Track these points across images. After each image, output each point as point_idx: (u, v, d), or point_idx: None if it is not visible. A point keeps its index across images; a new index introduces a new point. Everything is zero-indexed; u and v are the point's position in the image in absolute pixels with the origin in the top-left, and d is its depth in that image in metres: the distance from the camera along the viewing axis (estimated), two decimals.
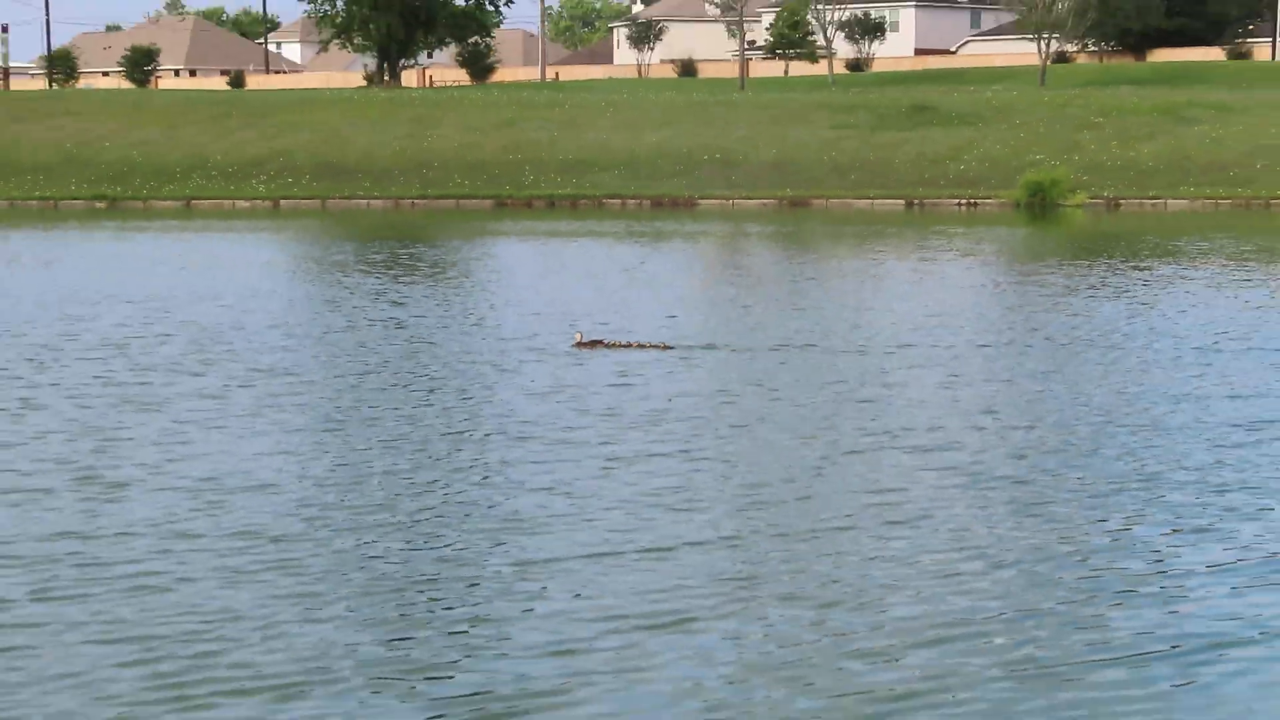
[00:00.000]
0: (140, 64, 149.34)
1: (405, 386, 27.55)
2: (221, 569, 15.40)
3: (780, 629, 13.29)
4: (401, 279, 46.44)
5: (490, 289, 45.29)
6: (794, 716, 10.96)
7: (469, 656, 12.45)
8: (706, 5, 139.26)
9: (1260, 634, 12.68)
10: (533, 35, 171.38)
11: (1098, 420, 24.43)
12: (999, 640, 12.65)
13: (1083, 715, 10.84)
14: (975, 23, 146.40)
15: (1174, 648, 12.32)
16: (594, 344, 32.20)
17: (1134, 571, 14.85)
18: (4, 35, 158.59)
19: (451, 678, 11.69)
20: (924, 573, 15.04)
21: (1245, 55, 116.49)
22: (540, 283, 46.61)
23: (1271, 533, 16.52)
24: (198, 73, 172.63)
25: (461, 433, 23.76)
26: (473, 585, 14.82)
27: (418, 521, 17.94)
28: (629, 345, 32.65)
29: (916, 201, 74.79)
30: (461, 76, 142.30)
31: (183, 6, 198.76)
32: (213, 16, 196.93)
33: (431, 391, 27.36)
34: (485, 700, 11.23)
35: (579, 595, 14.16)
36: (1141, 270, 45.70)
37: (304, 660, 12.12)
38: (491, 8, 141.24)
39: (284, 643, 12.75)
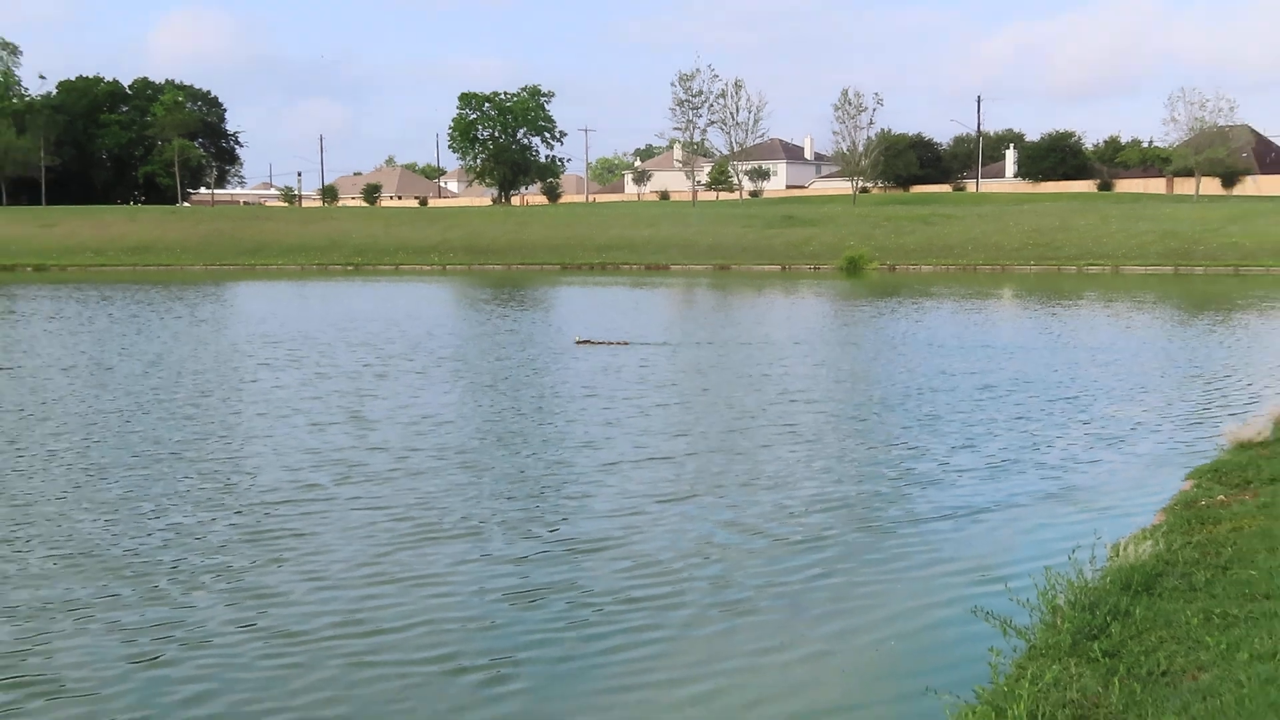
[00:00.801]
0: (371, 193, 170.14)
1: (507, 362, 34.43)
2: (440, 464, 20.21)
3: (733, 501, 17.19)
4: (512, 305, 58.54)
5: (553, 310, 57.30)
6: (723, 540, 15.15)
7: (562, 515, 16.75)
8: (675, 162, 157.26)
9: (996, 505, 16.84)
10: (580, 177, 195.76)
11: (883, 386, 29.66)
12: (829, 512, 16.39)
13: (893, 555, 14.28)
14: (818, 171, 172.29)
15: (946, 515, 16.23)
16: (587, 342, 40.00)
17: (922, 471, 19.04)
18: (299, 177, 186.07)
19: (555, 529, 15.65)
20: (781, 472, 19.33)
21: (961, 189, 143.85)
22: (582, 308, 58.94)
23: (996, 448, 20.89)
24: (402, 197, 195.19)
25: (533, 390, 29.25)
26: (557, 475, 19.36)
27: (523, 440, 22.68)
28: (607, 343, 40.14)
29: (787, 267, 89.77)
30: (542, 199, 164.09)
31: (393, 160, 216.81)
32: (410, 167, 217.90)
33: (520, 366, 34.03)
34: (575, 540, 15.32)
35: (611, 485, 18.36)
36: (905, 303, 57.49)
37: (467, 515, 16.37)
38: (559, 164, 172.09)
39: (456, 505, 17.20)
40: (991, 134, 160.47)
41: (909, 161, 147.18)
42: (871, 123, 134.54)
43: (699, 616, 12.20)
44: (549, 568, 14.02)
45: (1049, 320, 48.77)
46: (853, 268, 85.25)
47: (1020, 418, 24.19)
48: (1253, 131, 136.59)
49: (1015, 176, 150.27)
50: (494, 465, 19.82)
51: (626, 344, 40.01)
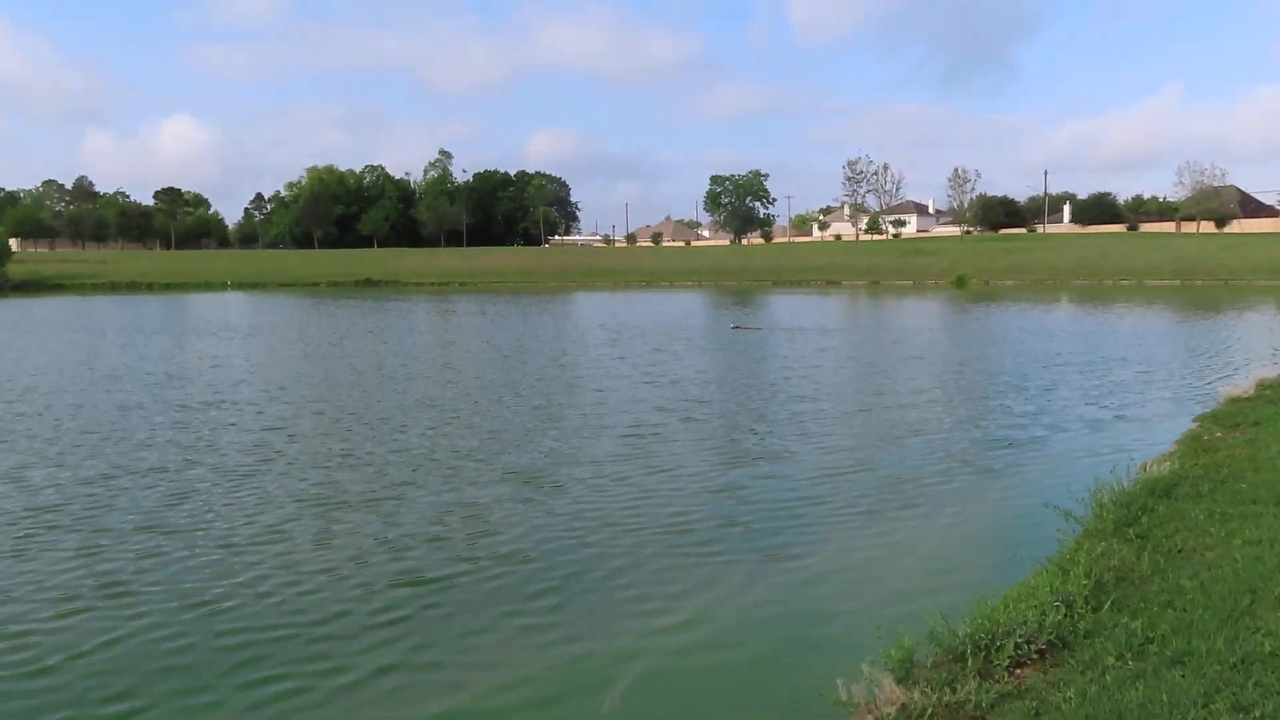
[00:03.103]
0: (656, 237, 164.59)
1: (711, 337, 30.01)
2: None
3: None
4: (731, 308, 41.31)
5: (760, 309, 39.90)
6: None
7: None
8: (845, 216, 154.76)
9: (1062, 437, 20.32)
10: (784, 225, 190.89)
11: (982, 358, 29.13)
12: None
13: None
14: (937, 220, 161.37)
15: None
16: (739, 328, 37.22)
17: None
18: (613, 229, 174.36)
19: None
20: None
21: (1033, 230, 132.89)
22: (782, 307, 41.69)
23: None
24: (674, 240, 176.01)
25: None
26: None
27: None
28: (753, 329, 36.74)
29: (916, 282, 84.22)
30: (760, 240, 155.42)
31: (669, 217, 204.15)
32: (680, 221, 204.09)
33: (708, 341, 29.99)
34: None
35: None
36: (996, 305, 52.92)
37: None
38: (771, 218, 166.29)
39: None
40: (1054, 194, 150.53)
41: (998, 213, 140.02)
42: (973, 188, 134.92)
43: (878, 507, 11.93)
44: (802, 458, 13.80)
45: (1096, 316, 45.96)
46: (960, 282, 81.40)
47: (1069, 380, 23.00)
48: (1239, 190, 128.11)
49: (1071, 222, 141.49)
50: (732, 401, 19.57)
51: (760, 329, 37.87)
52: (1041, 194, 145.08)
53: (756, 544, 10.34)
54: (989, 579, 8.44)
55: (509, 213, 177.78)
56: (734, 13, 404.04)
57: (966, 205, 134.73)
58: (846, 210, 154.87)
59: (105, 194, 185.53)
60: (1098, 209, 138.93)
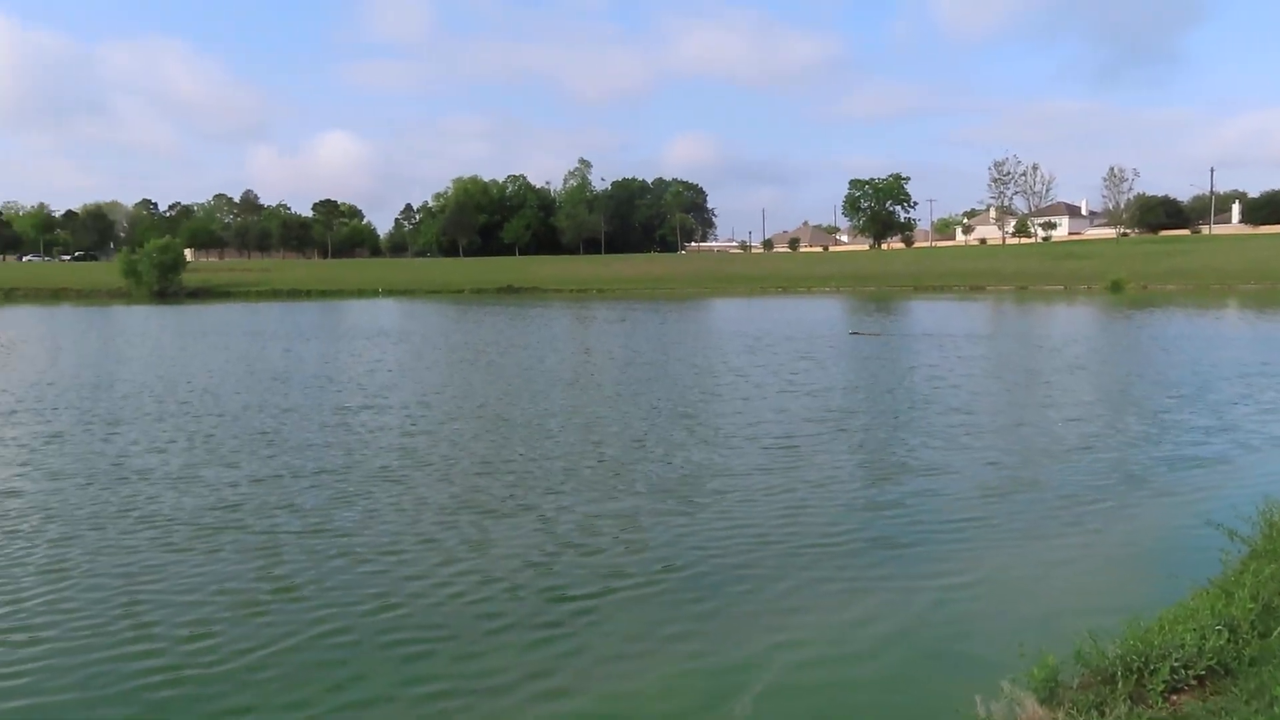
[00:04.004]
0: (794, 243, 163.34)
1: (834, 341, 29.34)
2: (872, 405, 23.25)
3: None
4: (862, 314, 39.89)
5: (893, 316, 39.06)
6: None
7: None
8: (990, 219, 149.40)
9: (1225, 452, 20.65)
10: (926, 230, 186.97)
11: (1140, 366, 28.76)
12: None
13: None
14: (1091, 222, 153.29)
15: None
16: (857, 334, 37.42)
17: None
18: (749, 234, 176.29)
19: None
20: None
21: (1198, 232, 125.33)
22: (920, 312, 40.74)
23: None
24: (811, 245, 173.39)
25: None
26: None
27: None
28: (870, 334, 36.88)
29: (1067, 287, 79.74)
30: (901, 245, 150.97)
31: (807, 222, 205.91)
32: (818, 226, 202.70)
33: (827, 346, 29.54)
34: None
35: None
36: (1157, 313, 50.00)
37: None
38: (912, 222, 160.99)
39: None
40: (1221, 192, 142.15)
41: (1158, 214, 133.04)
42: (1130, 188, 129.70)
43: (1029, 525, 11.64)
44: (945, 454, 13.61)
45: (1275, 322, 42.77)
46: (1115, 287, 76.88)
47: (1248, 392, 21.66)
48: None
49: (1240, 222, 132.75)
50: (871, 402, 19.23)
51: (879, 334, 37.45)
52: (1207, 193, 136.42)
53: (901, 559, 10.21)
54: (1142, 600, 8.12)
55: (646, 220, 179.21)
56: (876, 12, 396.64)
57: (1123, 206, 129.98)
58: (992, 213, 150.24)
59: (269, 206, 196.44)
60: (1271, 208, 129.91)
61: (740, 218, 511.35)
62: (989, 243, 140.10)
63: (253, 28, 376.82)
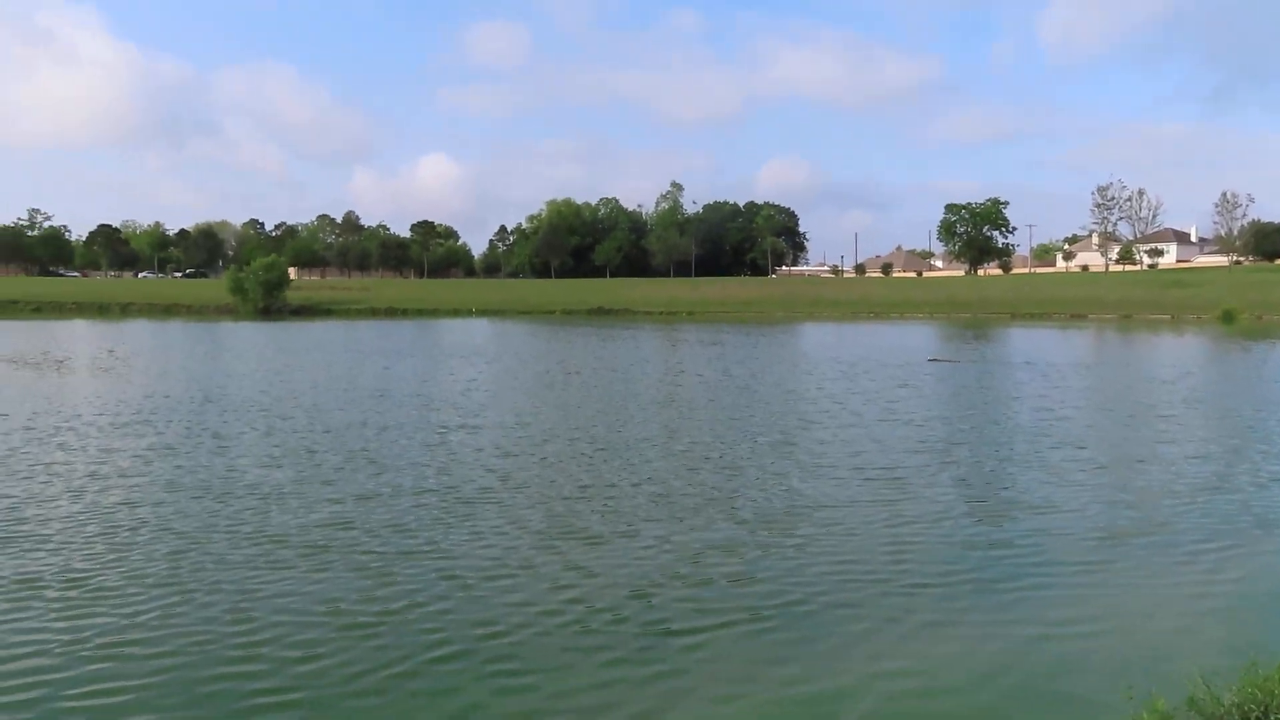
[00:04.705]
0: (886, 268, 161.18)
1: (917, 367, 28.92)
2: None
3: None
4: (956, 340, 38.32)
5: (989, 343, 37.85)
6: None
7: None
8: (1093, 245, 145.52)
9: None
10: (1024, 256, 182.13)
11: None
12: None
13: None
14: (1201, 249, 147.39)
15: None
16: (935, 360, 36.90)
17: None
18: (841, 259, 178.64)
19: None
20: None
21: None
22: (1019, 341, 39.40)
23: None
24: (904, 270, 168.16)
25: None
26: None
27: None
28: (949, 361, 36.07)
29: (1175, 317, 78.07)
30: (998, 271, 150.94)
31: (900, 247, 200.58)
32: (911, 251, 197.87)
33: (914, 371, 29.00)
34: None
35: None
36: (1273, 344, 48.00)
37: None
38: (1010, 248, 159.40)
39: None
40: None
41: (1274, 241, 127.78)
42: (1244, 214, 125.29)
43: (1155, 560, 11.25)
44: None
45: None
46: (1228, 318, 74.06)
47: None
48: None
49: None
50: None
51: (958, 361, 36.84)
52: None
53: (1006, 597, 9.88)
54: (1262, 646, 7.67)
55: (737, 243, 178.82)
56: (976, 33, 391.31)
57: (1236, 233, 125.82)
58: (1095, 239, 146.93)
59: (369, 227, 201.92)
60: None
61: (832, 242, 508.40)
62: (1091, 269, 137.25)
63: (357, 54, 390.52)
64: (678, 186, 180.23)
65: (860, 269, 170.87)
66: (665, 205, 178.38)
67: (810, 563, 10.98)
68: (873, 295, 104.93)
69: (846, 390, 28.41)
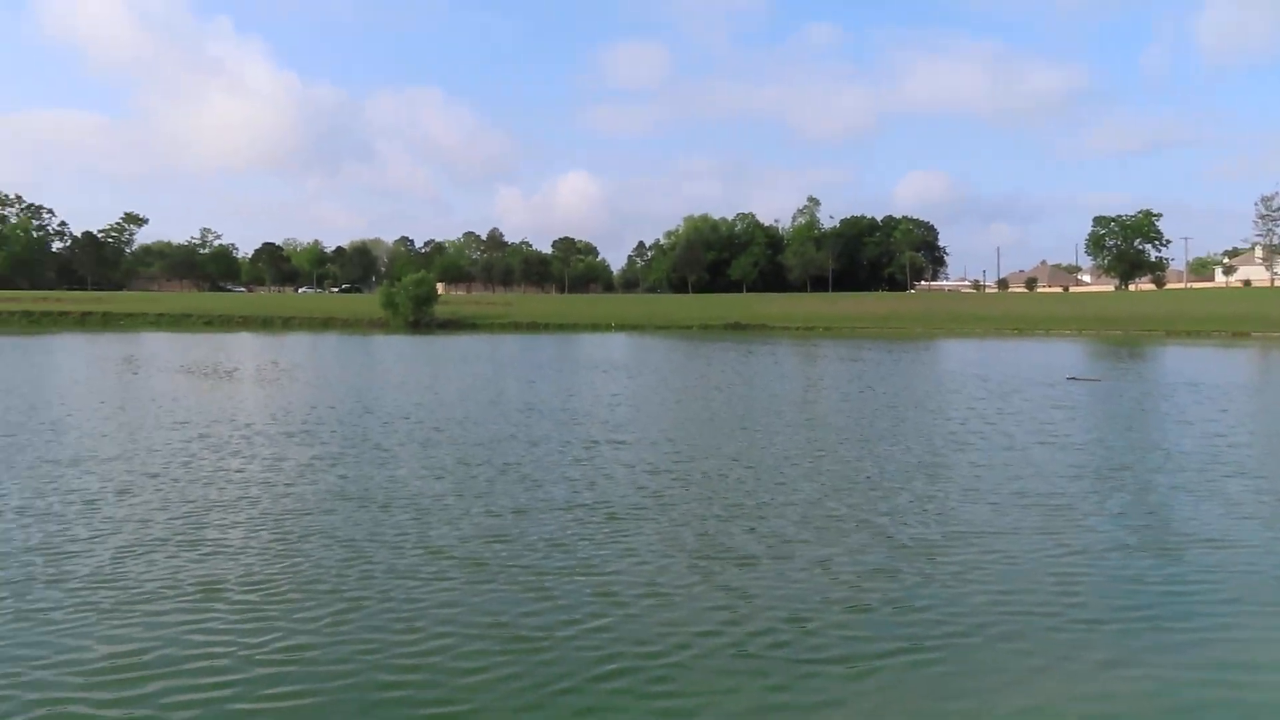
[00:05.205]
0: (1030, 283, 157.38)
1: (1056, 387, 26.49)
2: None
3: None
4: (1110, 359, 36.05)
5: (1147, 362, 35.10)
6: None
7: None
8: (1256, 259, 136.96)
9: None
10: (1180, 270, 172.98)
11: None
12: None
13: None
14: None
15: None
16: (1074, 379, 34.94)
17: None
18: (983, 274, 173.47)
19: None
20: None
21: None
22: (1176, 359, 36.28)
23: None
24: (1049, 285, 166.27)
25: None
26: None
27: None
28: (1088, 379, 34.58)
29: None
30: (1151, 286, 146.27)
31: (1045, 261, 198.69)
32: (1057, 265, 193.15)
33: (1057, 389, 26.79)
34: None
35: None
36: None
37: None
38: (1164, 262, 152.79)
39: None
40: None
41: None
42: None
43: None
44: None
45: None
46: None
47: None
48: None
49: None
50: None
51: (1098, 380, 35.25)
52: None
53: (1176, 637, 9.24)
54: None
55: (874, 258, 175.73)
56: (1126, 39, 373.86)
57: None
58: (1259, 252, 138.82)
59: (512, 243, 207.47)
60: None
61: (973, 256, 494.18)
62: (1255, 284, 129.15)
63: (501, 77, 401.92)
64: (814, 201, 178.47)
65: (1003, 284, 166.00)
66: (802, 220, 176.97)
67: (971, 592, 10.52)
68: (1016, 311, 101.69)
69: (997, 410, 27.24)
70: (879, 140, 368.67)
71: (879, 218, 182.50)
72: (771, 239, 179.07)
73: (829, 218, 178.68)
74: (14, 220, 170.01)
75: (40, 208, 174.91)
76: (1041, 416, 25.80)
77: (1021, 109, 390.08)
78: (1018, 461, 18.65)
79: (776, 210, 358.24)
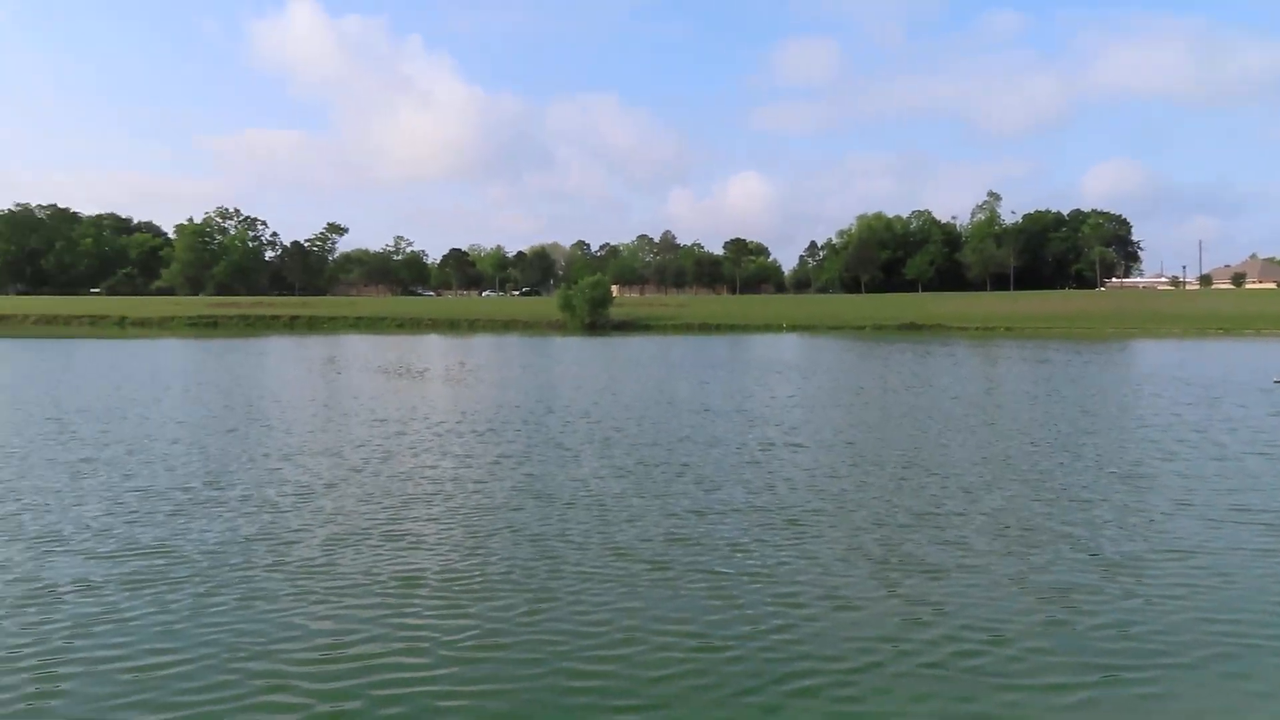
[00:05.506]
0: (1238, 279, 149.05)
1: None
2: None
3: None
4: None
5: None
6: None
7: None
8: None
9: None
10: None
11: None
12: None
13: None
14: None
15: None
16: None
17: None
18: (1183, 269, 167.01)
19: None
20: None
21: None
22: None
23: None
24: (1261, 281, 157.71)
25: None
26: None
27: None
28: None
29: None
30: None
31: (1256, 255, 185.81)
32: (1269, 259, 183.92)
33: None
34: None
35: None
36: None
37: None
38: None
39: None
40: None
41: None
42: None
43: None
44: None
45: None
46: None
47: None
48: None
49: None
50: None
51: None
52: None
53: None
54: None
55: (1060, 254, 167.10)
56: None
57: None
58: None
59: (684, 245, 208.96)
60: None
61: (1171, 251, 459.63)
62: None
63: (673, 79, 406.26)
64: (995, 196, 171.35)
65: (1206, 280, 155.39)
66: (981, 216, 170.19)
67: (1181, 611, 9.88)
68: (1221, 309, 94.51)
69: (1206, 417, 25.22)
70: (1066, 130, 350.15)
71: (1065, 212, 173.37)
72: (948, 236, 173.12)
73: (1010, 213, 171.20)
74: (233, 232, 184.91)
75: (255, 220, 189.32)
76: (1255, 424, 23.79)
77: (1227, 91, 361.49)
78: (1233, 473, 17.22)
79: (954, 206, 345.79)
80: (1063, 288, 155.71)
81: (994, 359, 50.91)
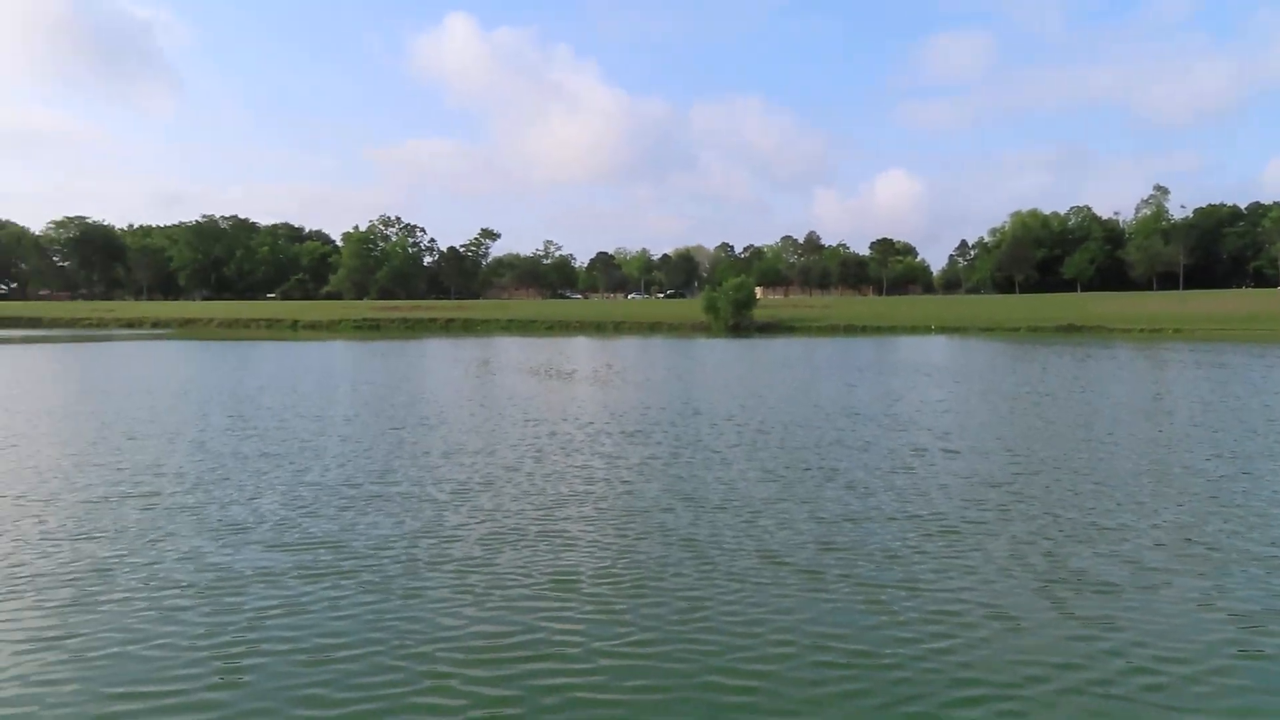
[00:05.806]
0: None
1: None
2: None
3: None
4: None
5: None
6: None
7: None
8: None
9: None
10: None
11: None
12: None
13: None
14: None
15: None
16: None
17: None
18: None
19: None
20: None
21: None
22: None
23: None
24: None
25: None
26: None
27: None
28: None
29: None
30: None
31: None
32: None
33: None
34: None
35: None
36: None
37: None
38: None
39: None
40: None
41: None
42: None
43: None
44: None
45: None
46: None
47: None
48: None
49: None
50: None
51: None
52: None
53: None
54: None
55: (1237, 250, 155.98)
56: None
57: None
58: None
59: (829, 246, 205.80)
60: None
61: None
62: None
63: (817, 78, 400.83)
64: (1162, 190, 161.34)
65: None
66: (1147, 211, 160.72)
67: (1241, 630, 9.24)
68: None
69: None
70: (1242, 118, 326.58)
71: (1243, 205, 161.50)
72: (1110, 233, 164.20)
73: (1179, 207, 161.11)
74: (394, 239, 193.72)
75: (415, 227, 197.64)
76: None
77: None
78: None
79: (1116, 202, 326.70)
80: (1239, 286, 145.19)
81: (1162, 363, 47.88)
